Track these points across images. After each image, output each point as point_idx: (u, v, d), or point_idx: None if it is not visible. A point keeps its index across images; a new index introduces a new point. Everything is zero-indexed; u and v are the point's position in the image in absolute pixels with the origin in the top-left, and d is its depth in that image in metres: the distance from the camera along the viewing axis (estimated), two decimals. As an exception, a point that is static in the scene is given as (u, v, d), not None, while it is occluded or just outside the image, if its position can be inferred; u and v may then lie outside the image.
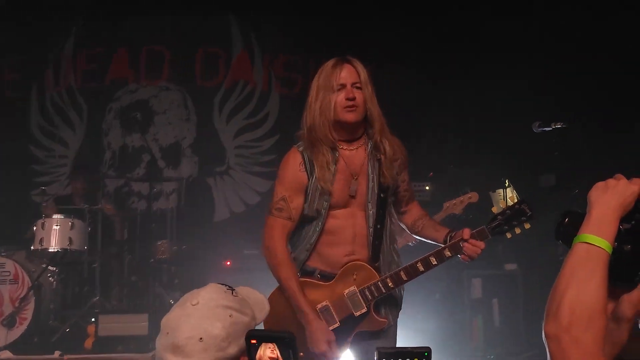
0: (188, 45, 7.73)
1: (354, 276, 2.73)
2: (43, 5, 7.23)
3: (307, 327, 2.65)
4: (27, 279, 5.61)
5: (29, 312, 5.53)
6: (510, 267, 5.91)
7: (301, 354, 1.38)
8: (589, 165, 5.30)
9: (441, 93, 6.95)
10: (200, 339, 1.49)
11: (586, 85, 5.97)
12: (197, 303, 1.55)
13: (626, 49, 5.82)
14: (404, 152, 2.88)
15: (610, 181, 1.34)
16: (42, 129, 7.66)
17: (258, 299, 1.72)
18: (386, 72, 6.96)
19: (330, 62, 2.78)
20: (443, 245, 2.74)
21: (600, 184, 1.35)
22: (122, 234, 6.66)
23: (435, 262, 2.69)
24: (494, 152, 6.23)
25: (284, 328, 2.55)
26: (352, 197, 2.77)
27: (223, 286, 1.63)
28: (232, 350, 1.53)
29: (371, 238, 2.78)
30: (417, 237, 3.02)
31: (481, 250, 2.69)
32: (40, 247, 5.72)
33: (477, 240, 2.68)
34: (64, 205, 6.17)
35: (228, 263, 6.59)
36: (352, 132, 2.80)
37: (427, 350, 1.30)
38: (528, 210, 2.69)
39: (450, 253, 2.70)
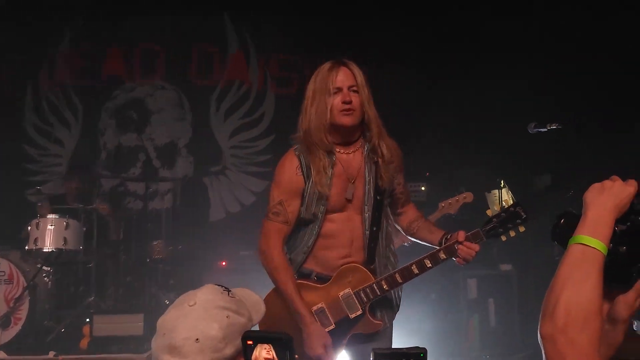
0: (183, 44, 7.71)
1: (349, 278, 2.73)
2: (38, 4, 7.21)
3: (304, 330, 2.65)
4: (21, 279, 5.60)
5: (23, 312, 5.51)
6: (506, 267, 5.92)
7: (296, 356, 1.37)
8: (584, 166, 5.32)
9: (439, 93, 6.96)
10: (197, 339, 1.50)
11: (583, 85, 5.98)
12: (194, 304, 1.55)
13: (626, 49, 5.83)
14: (400, 155, 2.88)
15: (606, 182, 1.35)
16: (37, 128, 7.63)
17: (254, 301, 1.73)
18: (384, 72, 6.98)
19: (326, 65, 2.76)
20: (438, 248, 2.74)
21: (596, 185, 1.35)
22: (117, 234, 6.64)
23: (430, 265, 2.69)
24: (490, 153, 6.24)
25: (280, 330, 2.55)
26: (349, 201, 2.77)
27: (219, 287, 1.63)
28: (229, 351, 1.53)
29: (367, 241, 2.78)
30: (412, 239, 3.02)
31: (476, 252, 2.69)
32: (34, 247, 5.69)
33: (471, 242, 2.69)
34: (58, 205, 6.15)
35: (223, 263, 6.58)
36: (349, 135, 2.79)
37: (423, 351, 1.31)
38: (523, 213, 2.69)
39: (445, 256, 2.70)
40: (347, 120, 2.69)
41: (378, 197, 2.79)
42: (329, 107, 2.68)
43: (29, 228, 5.78)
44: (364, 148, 2.81)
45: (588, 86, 5.94)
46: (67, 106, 7.68)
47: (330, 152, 2.74)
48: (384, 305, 2.85)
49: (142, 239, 6.55)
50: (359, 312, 2.71)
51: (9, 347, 5.32)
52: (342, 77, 2.71)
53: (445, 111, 6.81)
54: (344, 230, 2.77)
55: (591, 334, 1.21)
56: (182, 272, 6.62)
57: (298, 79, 7.69)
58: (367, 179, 2.79)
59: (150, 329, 5.30)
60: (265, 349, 1.39)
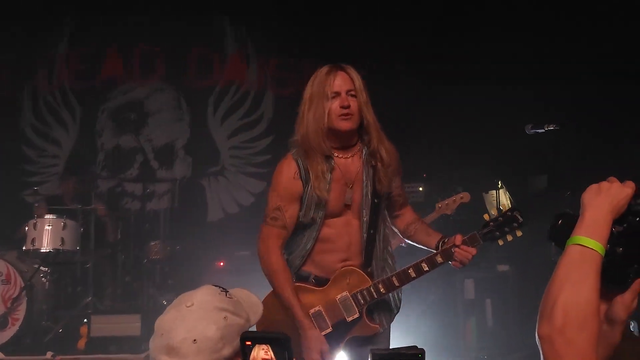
0: (182, 46, 7.71)
1: (347, 281, 2.73)
2: (37, 4, 7.20)
3: (302, 335, 2.66)
4: (19, 279, 5.59)
5: (21, 313, 5.51)
6: (503, 268, 5.93)
7: (294, 359, 1.37)
8: (581, 167, 5.32)
9: (436, 94, 6.96)
10: (195, 340, 1.50)
11: (581, 86, 5.99)
12: (192, 305, 1.55)
13: (623, 49, 5.85)
14: (397, 158, 2.86)
15: (604, 184, 1.35)
16: (35, 128, 7.63)
17: (252, 302, 1.73)
18: (382, 73, 6.99)
19: (324, 70, 2.74)
20: (435, 251, 2.74)
21: (593, 186, 1.36)
22: (115, 234, 6.64)
23: (427, 268, 2.69)
24: (487, 154, 6.24)
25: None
26: (348, 205, 2.76)
27: (217, 288, 1.63)
28: (226, 351, 1.53)
29: (365, 244, 2.79)
30: (409, 242, 3.02)
31: (472, 256, 2.69)
32: (32, 248, 5.69)
33: (468, 246, 2.68)
34: (55, 206, 6.14)
35: (221, 264, 6.58)
36: (347, 140, 2.77)
37: (421, 352, 1.31)
38: (520, 218, 2.68)
39: (442, 259, 2.70)
40: (345, 125, 2.68)
41: (376, 201, 2.79)
42: (326, 112, 2.66)
43: (27, 228, 5.78)
44: (362, 152, 2.80)
45: (585, 87, 5.95)
46: (64, 107, 7.67)
47: (328, 157, 2.72)
48: (382, 308, 2.85)
49: (140, 240, 6.56)
50: (356, 315, 2.71)
51: (6, 348, 5.31)
52: (340, 81, 2.69)
53: (443, 112, 6.81)
54: (342, 234, 2.77)
55: (589, 335, 1.21)
56: (179, 272, 6.63)
57: (296, 80, 7.69)
58: (365, 183, 2.78)
59: (148, 329, 5.28)
60: (263, 349, 1.40)
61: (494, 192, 5.88)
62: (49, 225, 5.72)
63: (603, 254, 1.27)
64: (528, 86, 6.16)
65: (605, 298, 1.31)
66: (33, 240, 5.69)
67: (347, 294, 2.71)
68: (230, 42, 7.84)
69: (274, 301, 2.74)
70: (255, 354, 1.39)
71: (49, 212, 5.90)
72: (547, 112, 5.36)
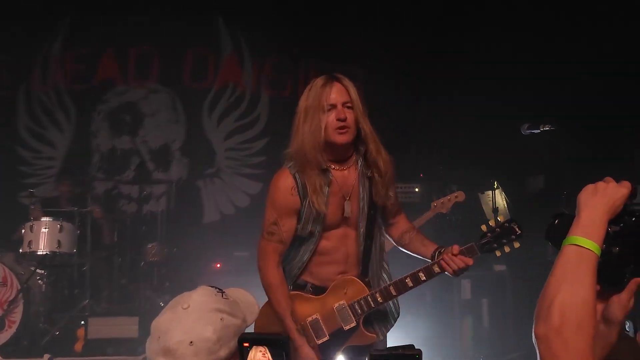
0: (177, 47, 7.71)
1: (345, 290, 2.73)
2: (32, 4, 7.18)
3: (295, 351, 2.66)
4: (15, 281, 5.57)
5: (17, 315, 5.49)
6: (499, 268, 5.94)
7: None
8: (578, 168, 5.33)
9: (432, 95, 6.97)
10: (191, 342, 1.49)
11: (577, 86, 6.00)
12: (188, 307, 1.55)
13: (619, 50, 5.85)
14: (392, 167, 2.83)
15: (600, 184, 1.35)
16: (30, 130, 7.61)
17: (249, 302, 1.72)
18: (378, 74, 7.00)
19: (319, 82, 2.69)
20: (431, 262, 2.73)
21: (589, 187, 1.36)
22: (111, 236, 6.63)
23: (425, 278, 2.69)
24: (483, 154, 6.25)
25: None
26: (346, 218, 2.75)
27: (214, 289, 1.63)
28: (223, 353, 1.53)
29: (362, 255, 2.79)
30: (404, 250, 3.00)
31: (468, 266, 2.68)
32: (28, 250, 5.69)
33: (466, 256, 2.67)
34: (51, 208, 6.13)
35: (218, 265, 6.58)
36: (343, 152, 2.75)
37: (418, 352, 1.31)
38: (518, 230, 2.67)
39: (439, 269, 2.69)
40: (342, 139, 2.64)
41: (372, 212, 2.78)
42: (323, 125, 2.62)
43: (23, 231, 5.77)
44: (358, 163, 2.78)
45: (581, 87, 5.96)
46: (59, 107, 7.65)
47: (325, 170, 2.70)
48: (379, 318, 2.86)
49: (136, 242, 6.55)
50: (353, 324, 2.71)
51: (3, 350, 5.30)
52: (336, 93, 2.65)
53: (442, 112, 6.82)
54: (339, 247, 2.77)
55: (586, 335, 1.21)
56: (177, 274, 6.62)
57: (292, 82, 7.69)
58: (362, 195, 2.76)
59: (145, 331, 5.28)
60: (260, 351, 1.40)
61: (489, 192, 5.89)
62: (45, 228, 5.72)
63: (599, 254, 1.28)
64: (528, 86, 6.17)
65: (601, 298, 1.32)
66: (30, 243, 5.68)
67: (345, 303, 2.71)
68: (226, 43, 7.83)
69: (271, 311, 2.74)
70: (252, 355, 1.39)
71: (45, 215, 5.89)
72: (546, 112, 5.36)
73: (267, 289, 2.74)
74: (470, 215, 5.87)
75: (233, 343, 1.53)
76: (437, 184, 6.12)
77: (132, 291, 6.46)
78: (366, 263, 2.79)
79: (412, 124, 7.16)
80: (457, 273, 2.68)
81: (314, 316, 2.73)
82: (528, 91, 6.19)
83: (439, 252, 2.75)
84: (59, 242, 5.73)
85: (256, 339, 1.42)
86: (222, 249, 6.73)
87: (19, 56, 7.47)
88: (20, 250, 5.74)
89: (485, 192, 6.07)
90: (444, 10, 7.12)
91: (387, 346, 2.88)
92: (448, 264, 2.66)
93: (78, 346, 5.50)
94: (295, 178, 2.69)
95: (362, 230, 2.77)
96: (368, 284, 2.77)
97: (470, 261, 2.67)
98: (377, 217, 2.83)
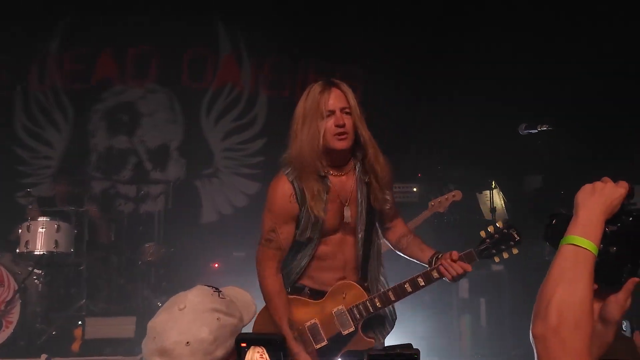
0: (175, 47, 7.69)
1: (344, 295, 2.73)
2: (32, 4, 7.17)
3: (293, 359, 2.66)
4: (12, 282, 5.57)
5: (15, 316, 5.48)
6: (497, 267, 5.94)
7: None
8: (577, 167, 5.34)
9: (430, 95, 6.97)
10: (187, 343, 1.49)
11: (574, 87, 6.01)
12: (184, 307, 1.54)
13: (621, 51, 5.87)
14: (389, 171, 2.82)
15: (598, 184, 1.35)
16: (27, 129, 7.59)
17: (246, 300, 1.72)
18: (377, 74, 7.00)
19: (317, 88, 2.67)
20: (430, 267, 2.72)
21: (587, 186, 1.36)
22: (108, 236, 6.63)
23: (423, 284, 2.69)
24: (481, 154, 6.26)
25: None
26: (346, 223, 2.75)
27: (210, 288, 1.62)
28: (220, 353, 1.53)
29: (360, 260, 2.79)
30: (401, 254, 3.00)
31: (466, 272, 2.68)
32: (25, 250, 5.68)
33: (464, 262, 2.67)
34: (48, 208, 6.12)
35: (216, 265, 6.58)
36: (342, 158, 2.74)
37: (416, 352, 1.31)
38: (517, 236, 2.68)
39: (438, 275, 2.69)
40: (341, 145, 2.63)
41: (370, 217, 2.78)
42: (322, 132, 2.61)
43: (20, 231, 5.76)
44: (356, 169, 2.78)
45: (581, 87, 5.97)
46: (56, 107, 7.64)
47: (323, 176, 2.69)
48: (377, 323, 2.85)
49: (134, 242, 6.54)
50: (352, 329, 2.71)
51: (0, 350, 5.29)
52: (334, 99, 2.63)
53: (439, 113, 6.82)
54: (337, 253, 2.77)
55: (583, 334, 1.21)
56: (174, 274, 6.61)
57: (291, 82, 7.69)
58: (360, 201, 2.76)
59: (143, 331, 5.27)
60: (258, 352, 1.40)
61: (487, 192, 5.90)
62: (42, 228, 5.71)
63: (596, 254, 1.28)
64: (528, 86, 6.17)
65: (599, 297, 1.32)
66: (27, 243, 5.67)
67: (344, 308, 2.71)
68: (225, 43, 7.82)
69: (268, 316, 2.74)
70: (250, 356, 1.39)
71: (42, 214, 5.88)
72: (546, 113, 5.37)
73: (266, 296, 2.74)
74: (469, 215, 5.88)
75: (230, 343, 1.53)
76: (435, 183, 6.13)
77: (129, 291, 6.46)
78: (365, 268, 2.79)
79: (412, 124, 7.17)
80: (455, 279, 2.67)
81: (313, 321, 2.73)
82: (528, 91, 6.20)
83: (437, 257, 2.74)
84: (56, 242, 5.72)
85: (254, 339, 1.42)
86: (220, 249, 6.72)
87: (18, 56, 7.45)
88: (17, 251, 5.73)
89: (483, 192, 6.07)
90: (444, 10, 7.12)
91: (385, 340, 2.91)
92: (447, 270, 2.66)
93: (75, 346, 5.50)
94: (293, 185, 2.68)
95: (360, 235, 2.77)
96: (367, 289, 2.77)
97: (469, 267, 2.66)
98: (374, 221, 2.83)
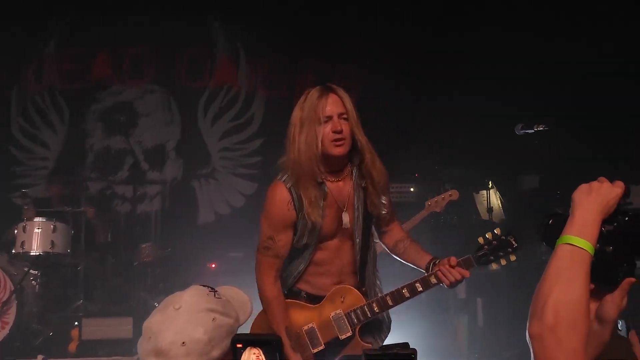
0: (172, 47, 7.68)
1: (341, 299, 2.74)
2: (26, 4, 7.15)
3: None
4: (9, 282, 5.55)
5: (11, 316, 5.47)
6: (494, 267, 5.94)
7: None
8: (575, 167, 5.35)
9: (427, 95, 6.97)
10: (183, 343, 1.49)
11: (571, 87, 6.01)
12: (180, 307, 1.54)
13: (621, 51, 5.87)
14: (386, 176, 2.82)
15: (594, 183, 1.35)
16: (23, 130, 7.57)
17: (242, 300, 1.71)
18: (374, 74, 6.99)
19: (314, 93, 2.67)
20: (428, 273, 2.72)
21: (584, 186, 1.36)
22: (105, 237, 6.61)
23: (421, 289, 2.70)
24: (478, 154, 6.26)
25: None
26: (344, 229, 2.75)
27: (205, 288, 1.62)
28: (216, 353, 1.52)
29: (358, 265, 2.79)
30: (398, 259, 2.99)
31: (464, 278, 2.68)
32: (21, 251, 5.65)
33: (462, 268, 2.67)
34: (44, 208, 6.10)
35: (213, 266, 6.57)
36: (339, 163, 2.74)
37: (413, 352, 1.31)
38: (515, 243, 2.69)
39: (436, 280, 2.69)
40: (338, 151, 2.63)
41: (367, 222, 2.79)
42: (319, 137, 2.61)
43: (16, 231, 5.74)
44: (353, 174, 2.78)
45: (581, 87, 5.97)
46: (53, 107, 7.62)
47: (321, 182, 2.69)
48: (374, 328, 2.86)
49: (130, 242, 6.52)
50: (349, 334, 2.72)
51: (-4, 351, 5.29)
52: (332, 105, 2.63)
53: (439, 113, 6.82)
54: (334, 258, 2.77)
55: (579, 334, 1.21)
56: (171, 275, 6.60)
57: (290, 82, 7.68)
58: (357, 206, 2.77)
59: (140, 332, 5.27)
60: (254, 353, 1.40)
61: (484, 192, 5.90)
62: (38, 228, 5.68)
63: (593, 254, 1.28)
64: (528, 86, 6.18)
65: (595, 297, 1.32)
66: (22, 243, 5.65)
67: (342, 312, 2.72)
68: (221, 43, 7.81)
69: (266, 320, 2.75)
70: (246, 357, 1.39)
71: (38, 215, 5.86)
72: (546, 113, 5.37)
73: (264, 303, 2.74)
74: (466, 215, 5.88)
75: (226, 343, 1.52)
76: (433, 183, 6.13)
77: (126, 292, 6.44)
78: (362, 273, 2.80)
79: (412, 124, 7.16)
80: (453, 285, 2.68)
81: (310, 325, 2.74)
82: (528, 91, 6.20)
83: (434, 262, 2.74)
84: (52, 242, 5.70)
85: (250, 340, 1.42)
86: (217, 250, 6.71)
87: (17, 56, 7.43)
88: (13, 251, 5.70)
89: (480, 192, 6.08)
90: (444, 10, 7.11)
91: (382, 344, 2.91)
92: (445, 276, 2.66)
93: (72, 347, 5.49)
94: (291, 191, 2.68)
95: (358, 240, 2.77)
96: (365, 294, 2.77)
97: (467, 273, 2.67)
98: (371, 226, 2.84)
